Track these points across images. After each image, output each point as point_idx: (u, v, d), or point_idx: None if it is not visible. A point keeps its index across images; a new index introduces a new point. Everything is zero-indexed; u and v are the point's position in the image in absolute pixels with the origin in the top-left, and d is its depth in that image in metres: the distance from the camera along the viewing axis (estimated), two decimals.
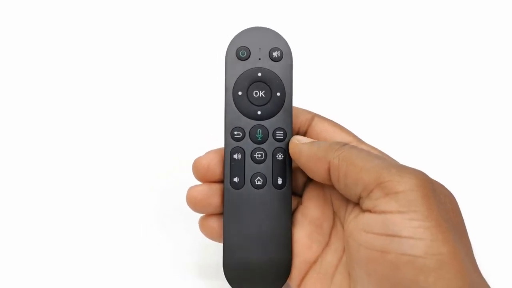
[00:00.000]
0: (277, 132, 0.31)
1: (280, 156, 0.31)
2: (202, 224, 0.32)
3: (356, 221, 0.27)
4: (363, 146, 0.31)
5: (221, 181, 0.32)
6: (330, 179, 0.29)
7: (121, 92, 0.46)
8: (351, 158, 0.28)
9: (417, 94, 0.47)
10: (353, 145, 0.29)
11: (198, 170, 0.32)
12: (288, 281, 0.32)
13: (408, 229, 0.24)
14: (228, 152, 0.31)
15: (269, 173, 0.31)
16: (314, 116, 0.33)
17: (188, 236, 0.38)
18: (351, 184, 0.27)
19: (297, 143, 0.31)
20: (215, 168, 0.32)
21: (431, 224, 0.24)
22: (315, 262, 0.31)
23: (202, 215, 0.33)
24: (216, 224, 0.32)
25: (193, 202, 0.32)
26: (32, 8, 0.50)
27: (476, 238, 0.29)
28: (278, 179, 0.31)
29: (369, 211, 0.26)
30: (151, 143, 0.43)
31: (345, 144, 0.29)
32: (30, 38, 0.49)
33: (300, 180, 0.33)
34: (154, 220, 0.40)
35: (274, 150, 0.31)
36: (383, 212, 0.25)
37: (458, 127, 0.45)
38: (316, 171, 0.29)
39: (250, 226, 0.31)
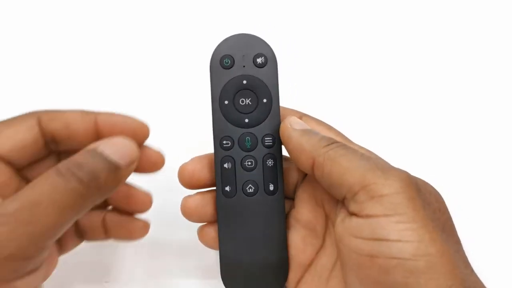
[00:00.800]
0: (265, 138, 0.32)
1: (270, 162, 0.32)
2: (200, 234, 0.33)
3: (344, 226, 0.27)
4: (350, 145, 0.31)
5: (209, 187, 0.32)
6: (314, 173, 0.29)
7: (118, 95, 0.46)
8: (336, 158, 0.27)
9: (405, 97, 0.46)
10: (341, 143, 0.29)
11: (183, 176, 0.32)
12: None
13: (395, 232, 0.24)
14: (218, 161, 0.31)
15: (260, 180, 0.32)
16: (302, 115, 0.33)
17: (188, 235, 0.38)
18: (335, 184, 0.28)
19: (289, 127, 0.30)
20: (200, 173, 0.32)
21: (418, 226, 0.24)
22: (310, 265, 0.32)
23: (200, 224, 0.33)
24: (213, 233, 0.32)
25: (188, 212, 0.32)
26: (32, 9, 0.50)
27: (467, 235, 0.30)
28: (270, 185, 0.32)
29: (356, 215, 0.26)
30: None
31: (333, 142, 0.29)
32: (29, 39, 0.49)
33: (291, 182, 0.33)
34: (154, 220, 0.40)
35: (264, 156, 0.32)
36: (370, 216, 0.26)
37: (448, 125, 0.45)
38: (301, 163, 0.30)
39: (245, 234, 0.32)
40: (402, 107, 0.46)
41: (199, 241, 0.33)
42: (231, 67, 0.31)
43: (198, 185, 0.32)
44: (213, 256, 0.37)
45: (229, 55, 0.31)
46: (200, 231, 0.33)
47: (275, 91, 0.32)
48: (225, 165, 0.31)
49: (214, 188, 0.32)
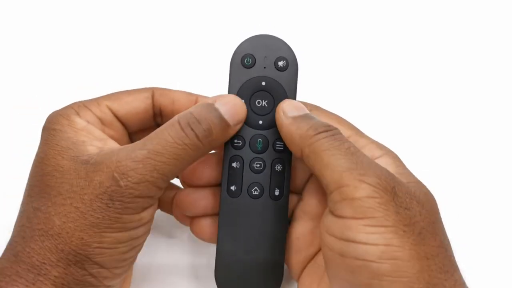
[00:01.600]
0: (277, 142, 0.31)
1: (278, 167, 0.31)
2: (192, 225, 0.33)
3: (323, 222, 0.28)
4: (362, 140, 0.31)
5: (209, 186, 0.32)
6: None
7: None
8: (319, 152, 0.27)
9: (418, 100, 0.47)
10: (330, 133, 0.28)
11: (184, 173, 0.33)
12: (289, 273, 0.32)
13: (362, 234, 0.25)
14: (227, 160, 0.31)
15: (267, 184, 0.31)
16: (313, 108, 0.32)
17: (186, 235, 0.38)
18: (318, 177, 0.28)
19: (281, 115, 0.30)
20: (201, 172, 0.32)
21: (386, 230, 0.25)
22: (315, 255, 0.32)
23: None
24: (204, 225, 0.33)
25: (180, 205, 0.33)
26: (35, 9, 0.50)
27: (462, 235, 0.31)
28: (275, 190, 0.31)
29: (332, 213, 0.27)
30: None
31: (321, 131, 0.28)
32: (31, 39, 0.49)
33: (301, 177, 0.33)
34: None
35: (273, 160, 0.31)
36: (341, 216, 0.26)
37: (456, 122, 0.45)
38: (293, 152, 0.30)
39: (245, 236, 0.31)
40: (419, 111, 0.46)
41: (190, 241, 0.33)
42: (252, 67, 0.31)
43: (198, 183, 0.32)
44: (204, 254, 0.37)
45: (251, 54, 0.31)
46: (192, 223, 0.33)
47: (292, 96, 0.31)
48: (234, 164, 0.31)
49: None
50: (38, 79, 0.46)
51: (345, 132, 0.31)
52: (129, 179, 0.26)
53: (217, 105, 0.29)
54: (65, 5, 0.50)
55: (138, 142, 0.28)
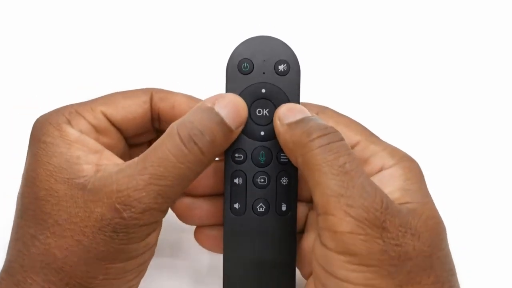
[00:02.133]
0: (281, 154, 0.29)
1: (284, 180, 0.29)
2: (195, 234, 0.32)
3: (314, 243, 0.27)
4: (372, 147, 0.29)
5: (208, 195, 0.31)
6: None
7: None
8: (311, 166, 0.25)
9: (428, 100, 0.45)
10: (325, 142, 0.25)
11: None
12: (300, 272, 0.31)
13: (342, 271, 0.24)
14: (229, 176, 0.29)
15: (273, 199, 0.29)
16: (320, 111, 0.30)
17: (183, 240, 0.38)
18: (310, 191, 0.26)
19: (277, 123, 0.27)
20: (197, 182, 0.30)
21: (368, 270, 0.24)
22: None
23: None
24: (207, 235, 0.31)
25: (177, 213, 0.31)
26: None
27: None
28: (282, 205, 0.29)
29: (319, 236, 0.26)
30: None
31: (315, 138, 0.25)
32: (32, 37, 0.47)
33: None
34: None
35: (278, 174, 0.29)
36: (324, 245, 0.25)
37: (462, 120, 0.44)
38: (291, 160, 0.28)
39: (252, 255, 0.29)
40: (426, 114, 0.44)
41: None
42: (250, 73, 0.29)
43: (194, 192, 0.31)
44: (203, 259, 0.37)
45: (249, 59, 0.29)
46: (195, 232, 0.32)
47: (295, 103, 0.29)
48: (236, 180, 0.29)
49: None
50: (38, 79, 0.45)
51: (353, 137, 0.29)
52: (133, 210, 0.25)
53: (217, 108, 0.26)
54: (65, 5, 0.49)
55: (136, 162, 0.26)
